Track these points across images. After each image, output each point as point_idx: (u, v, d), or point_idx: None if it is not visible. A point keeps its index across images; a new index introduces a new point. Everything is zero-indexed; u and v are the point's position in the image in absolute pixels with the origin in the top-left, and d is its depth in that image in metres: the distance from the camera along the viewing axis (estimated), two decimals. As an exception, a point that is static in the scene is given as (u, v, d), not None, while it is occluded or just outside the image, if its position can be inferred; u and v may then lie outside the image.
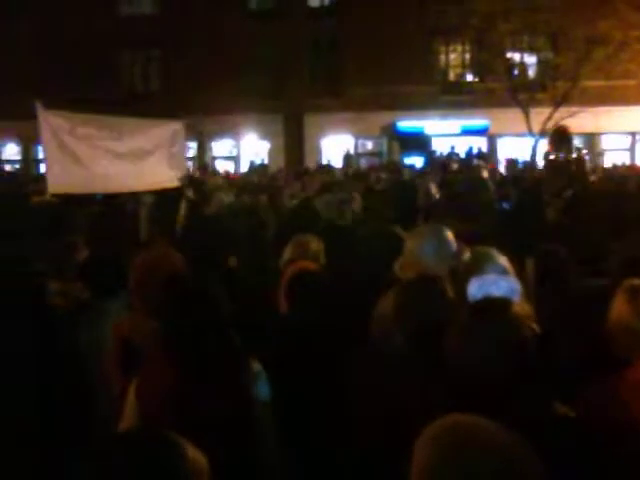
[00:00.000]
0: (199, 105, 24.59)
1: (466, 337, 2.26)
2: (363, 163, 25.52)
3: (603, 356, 2.48)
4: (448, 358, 2.26)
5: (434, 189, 9.68)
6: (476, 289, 2.82)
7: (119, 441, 1.42)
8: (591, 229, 6.35)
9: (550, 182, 10.38)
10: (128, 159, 8.11)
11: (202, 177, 14.61)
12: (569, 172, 11.38)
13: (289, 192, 9.96)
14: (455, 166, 15.91)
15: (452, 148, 22.51)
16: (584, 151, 17.32)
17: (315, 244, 4.23)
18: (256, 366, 2.62)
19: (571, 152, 13.42)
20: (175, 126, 9.21)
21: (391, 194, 9.74)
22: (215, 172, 18.48)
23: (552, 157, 13.26)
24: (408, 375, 2.43)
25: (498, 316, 2.28)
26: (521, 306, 3.19)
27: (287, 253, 4.19)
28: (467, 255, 3.26)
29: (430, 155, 23.82)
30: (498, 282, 2.84)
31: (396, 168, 15.78)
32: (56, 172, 7.43)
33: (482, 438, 1.36)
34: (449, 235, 3.30)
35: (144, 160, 8.28)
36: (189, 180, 9.38)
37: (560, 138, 13.49)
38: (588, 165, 16.87)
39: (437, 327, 2.39)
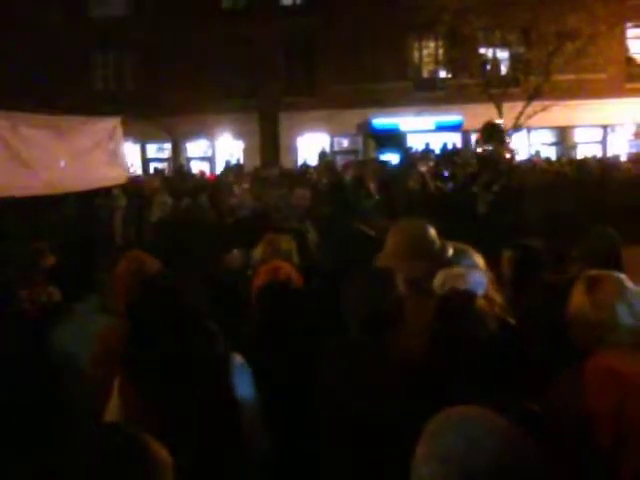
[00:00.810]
0: (173, 105, 24.47)
1: (430, 332, 2.29)
2: (339, 161, 25.53)
3: (568, 348, 2.50)
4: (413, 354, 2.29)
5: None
6: (442, 282, 2.84)
7: (86, 438, 1.46)
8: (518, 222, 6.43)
9: (479, 175, 10.56)
10: (69, 158, 7.86)
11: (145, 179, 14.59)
12: (497, 165, 11.58)
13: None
14: (431, 163, 15.99)
15: (427, 145, 22.59)
16: (512, 145, 17.65)
17: (286, 243, 4.23)
18: (237, 360, 2.59)
19: (502, 145, 13.69)
20: (113, 123, 9.01)
21: (327, 193, 9.86)
22: (152, 173, 18.20)
23: (480, 150, 13.55)
24: (361, 359, 2.48)
25: (462, 310, 2.30)
26: (495, 299, 3.23)
27: (258, 252, 4.17)
28: (451, 251, 3.25)
29: (406, 152, 23.91)
30: (465, 276, 2.86)
31: (331, 167, 16.11)
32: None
33: (485, 419, 1.37)
34: (432, 231, 3.26)
35: (85, 158, 8.04)
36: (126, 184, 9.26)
37: (490, 131, 13.80)
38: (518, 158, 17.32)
39: (386, 315, 2.52)
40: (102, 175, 8.15)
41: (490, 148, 13.30)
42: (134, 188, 10.16)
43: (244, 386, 2.56)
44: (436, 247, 3.21)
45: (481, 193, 9.58)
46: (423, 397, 1.85)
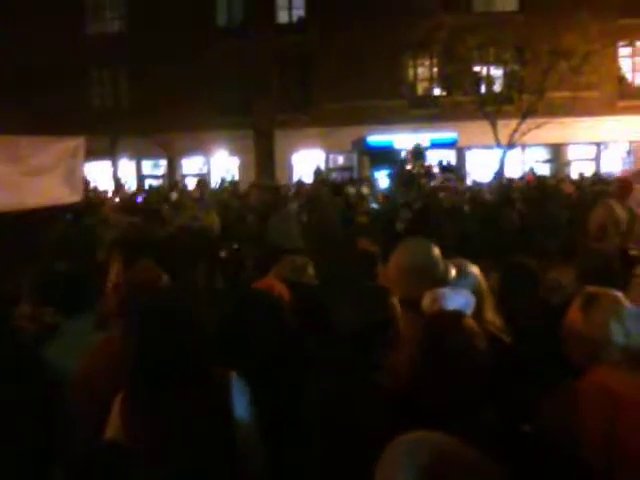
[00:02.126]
0: (168, 122, 24.52)
1: (418, 352, 2.29)
2: (334, 178, 25.59)
3: (564, 368, 2.51)
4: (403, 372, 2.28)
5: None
6: (431, 303, 2.84)
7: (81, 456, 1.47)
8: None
9: (401, 194, 10.88)
10: (24, 177, 7.84)
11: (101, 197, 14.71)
12: (418, 185, 11.93)
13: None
14: (424, 180, 16.16)
15: (440, 163, 22.72)
16: (435, 167, 18.03)
17: (300, 259, 4.25)
18: (234, 377, 2.57)
19: (423, 166, 14.34)
20: (76, 142, 9.01)
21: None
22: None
23: (409, 167, 14.05)
24: (349, 378, 2.48)
25: (451, 330, 2.31)
26: (490, 317, 3.23)
27: (276, 269, 4.18)
28: (454, 272, 3.24)
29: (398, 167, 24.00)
30: (452, 295, 2.86)
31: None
32: None
33: (450, 454, 1.36)
34: (436, 252, 3.24)
35: (41, 177, 8.04)
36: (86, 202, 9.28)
37: (416, 153, 14.53)
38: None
39: (377, 333, 2.53)
40: (57, 194, 8.15)
41: (414, 168, 13.94)
42: (88, 207, 10.22)
43: (241, 404, 2.55)
44: (440, 269, 3.18)
45: (400, 211, 9.86)
46: (410, 419, 1.84)
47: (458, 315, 2.56)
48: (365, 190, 14.35)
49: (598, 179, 16.78)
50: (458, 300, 2.85)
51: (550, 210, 10.35)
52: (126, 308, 3.03)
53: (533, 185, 14.89)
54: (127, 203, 13.70)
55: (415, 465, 1.33)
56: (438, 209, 10.32)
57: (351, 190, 14.45)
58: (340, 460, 2.33)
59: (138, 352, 2.55)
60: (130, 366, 2.55)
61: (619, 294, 2.51)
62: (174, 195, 15.37)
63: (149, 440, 2.40)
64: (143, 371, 2.52)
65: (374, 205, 11.75)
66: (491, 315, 3.29)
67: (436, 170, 16.77)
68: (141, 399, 2.49)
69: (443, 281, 3.12)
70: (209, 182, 23.43)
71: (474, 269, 3.45)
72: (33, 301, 3.37)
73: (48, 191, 7.87)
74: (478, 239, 8.02)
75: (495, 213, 10.57)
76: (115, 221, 7.85)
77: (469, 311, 2.82)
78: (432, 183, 12.55)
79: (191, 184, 24.57)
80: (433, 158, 25.55)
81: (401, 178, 14.54)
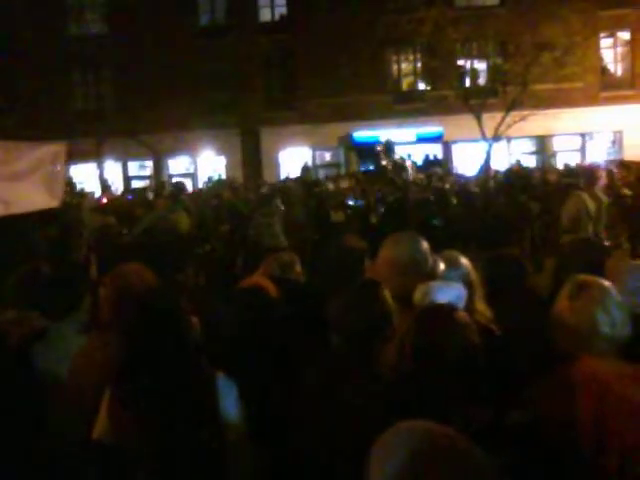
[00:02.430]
0: (153, 123, 24.42)
1: (410, 346, 2.29)
2: (322, 175, 25.58)
3: (553, 354, 2.52)
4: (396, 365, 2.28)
5: None
6: (423, 296, 2.84)
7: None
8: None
9: (372, 188, 11.02)
10: (4, 182, 7.80)
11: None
12: (388, 179, 12.08)
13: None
14: (410, 171, 16.23)
15: (409, 156, 22.73)
16: (408, 161, 18.21)
17: (287, 255, 4.25)
18: (222, 381, 2.55)
19: (392, 160, 14.60)
20: (56, 148, 8.96)
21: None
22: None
23: (384, 162, 14.30)
24: (345, 373, 2.48)
25: (443, 324, 2.31)
26: (480, 309, 3.24)
27: (262, 268, 4.16)
28: (442, 266, 3.24)
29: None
30: (444, 288, 2.86)
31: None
32: None
33: (442, 445, 1.36)
34: (424, 246, 3.23)
35: (20, 183, 8.01)
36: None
37: (387, 148, 14.84)
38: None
39: (371, 329, 2.53)
40: (37, 199, 8.11)
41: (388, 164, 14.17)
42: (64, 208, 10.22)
43: (228, 403, 2.54)
44: (428, 263, 3.18)
45: (373, 205, 9.94)
46: (404, 411, 1.85)
47: (450, 308, 2.57)
48: (345, 184, 14.32)
49: (567, 171, 16.85)
50: (450, 293, 2.85)
51: (520, 202, 10.43)
52: (116, 310, 3.02)
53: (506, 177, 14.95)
54: (104, 204, 13.60)
55: (408, 450, 1.34)
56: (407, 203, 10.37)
57: (330, 186, 14.43)
58: (332, 446, 2.33)
59: (127, 350, 2.55)
60: (118, 364, 2.55)
61: (608, 284, 2.51)
62: (150, 196, 15.30)
63: (136, 438, 2.40)
64: (131, 369, 2.51)
65: (350, 202, 11.75)
66: (481, 306, 3.30)
67: (409, 164, 16.87)
68: (128, 397, 2.48)
69: (432, 275, 3.12)
70: (185, 184, 23.19)
71: (464, 260, 3.46)
72: (17, 305, 3.35)
73: (27, 196, 7.81)
74: (464, 231, 8.07)
75: (483, 205, 10.65)
76: (90, 222, 7.78)
77: (461, 304, 2.82)
78: (406, 177, 12.62)
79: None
80: (419, 152, 25.71)
81: (375, 173, 14.71)
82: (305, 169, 24.64)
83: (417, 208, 9.60)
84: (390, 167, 13.68)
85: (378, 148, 15.56)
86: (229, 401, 2.54)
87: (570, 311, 2.42)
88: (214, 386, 2.52)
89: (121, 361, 2.59)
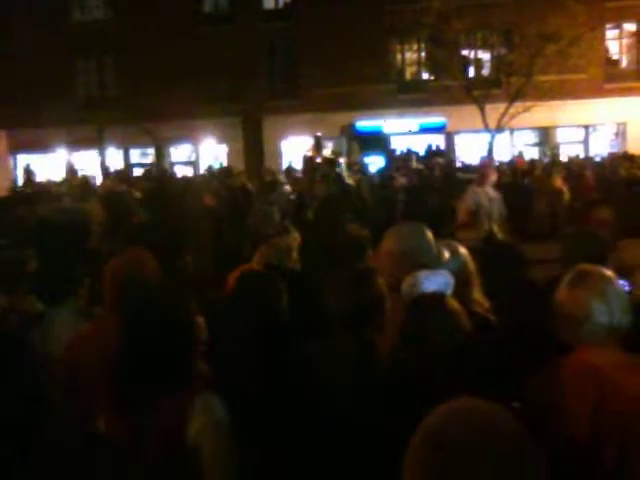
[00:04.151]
0: (155, 110, 24.37)
1: (402, 335, 2.28)
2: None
3: (551, 344, 2.51)
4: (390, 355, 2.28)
5: None
6: (411, 285, 2.83)
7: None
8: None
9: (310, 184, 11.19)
10: None
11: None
12: (323, 172, 12.28)
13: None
14: (414, 164, 16.18)
15: (408, 150, 22.75)
16: (341, 158, 18.32)
17: (284, 241, 4.22)
18: (201, 401, 2.28)
19: (325, 156, 15.06)
20: None
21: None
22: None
23: (319, 160, 14.58)
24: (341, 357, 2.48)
25: (433, 312, 2.30)
26: (475, 297, 3.23)
27: (258, 255, 4.13)
28: (447, 255, 3.22)
29: (391, 154, 24.00)
30: (431, 277, 2.85)
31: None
32: None
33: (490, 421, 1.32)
34: (428, 236, 3.20)
35: None
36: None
37: (317, 144, 15.25)
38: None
39: (365, 313, 2.54)
40: None
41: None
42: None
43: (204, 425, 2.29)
44: (430, 254, 3.15)
45: (309, 201, 10.13)
46: (403, 397, 1.84)
47: (440, 296, 2.57)
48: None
49: (465, 167, 16.89)
50: (437, 281, 2.85)
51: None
52: (117, 298, 2.97)
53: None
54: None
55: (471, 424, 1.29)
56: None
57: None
58: (333, 443, 2.33)
59: (124, 350, 2.48)
60: (115, 362, 2.49)
61: (609, 273, 2.49)
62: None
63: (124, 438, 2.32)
64: (127, 370, 2.44)
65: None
66: (478, 295, 3.29)
67: (342, 161, 16.99)
68: (121, 397, 2.42)
69: (435, 265, 3.10)
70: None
71: (462, 250, 3.44)
72: (8, 290, 3.34)
73: None
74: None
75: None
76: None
77: (449, 291, 2.82)
78: (340, 172, 12.72)
79: (180, 172, 24.53)
80: (422, 143, 25.64)
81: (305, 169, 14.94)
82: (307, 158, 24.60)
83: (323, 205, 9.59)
84: (322, 162, 13.92)
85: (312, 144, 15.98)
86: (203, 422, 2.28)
87: (569, 300, 2.41)
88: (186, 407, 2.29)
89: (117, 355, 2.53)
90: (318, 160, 14.51)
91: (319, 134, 16.27)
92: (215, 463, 2.24)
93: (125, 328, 2.46)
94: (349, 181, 12.22)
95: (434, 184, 12.14)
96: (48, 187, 16.23)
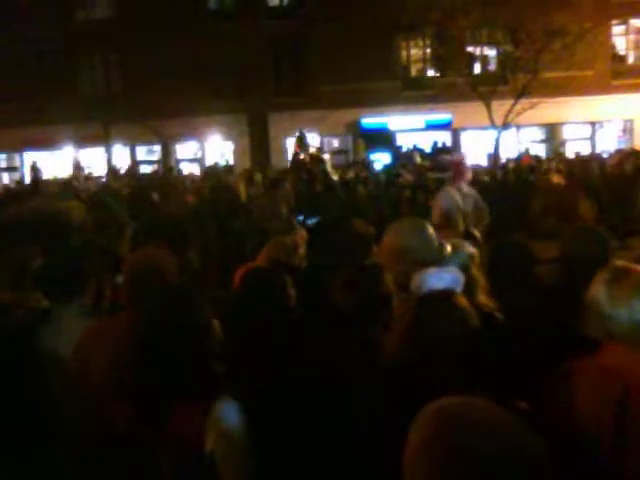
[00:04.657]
0: (161, 108, 24.38)
1: (410, 331, 2.27)
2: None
3: (563, 342, 2.48)
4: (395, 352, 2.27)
5: None
6: (420, 282, 2.82)
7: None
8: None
9: (294, 179, 11.24)
10: None
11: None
12: (307, 169, 12.31)
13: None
14: (419, 160, 16.18)
15: (414, 146, 22.77)
16: (325, 155, 18.35)
17: (290, 238, 4.23)
18: (219, 409, 2.27)
19: (310, 153, 15.16)
20: None
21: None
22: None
23: (302, 157, 14.67)
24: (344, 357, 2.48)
25: (442, 309, 2.29)
26: (482, 301, 3.21)
27: (265, 252, 4.12)
28: (449, 249, 3.20)
29: (396, 151, 24.02)
30: (440, 274, 2.84)
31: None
32: None
33: (481, 416, 1.31)
34: (429, 232, 3.17)
35: None
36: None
37: (301, 141, 15.33)
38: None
39: (371, 310, 2.56)
40: None
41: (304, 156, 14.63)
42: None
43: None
44: (430, 250, 3.13)
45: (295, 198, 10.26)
46: (405, 398, 1.84)
47: (449, 294, 2.55)
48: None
49: (437, 165, 16.79)
50: (446, 278, 2.83)
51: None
52: (134, 294, 2.96)
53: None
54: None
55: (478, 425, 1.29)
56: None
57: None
58: (330, 428, 2.33)
59: (140, 352, 2.46)
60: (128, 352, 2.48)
61: None
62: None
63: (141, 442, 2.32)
64: (143, 372, 2.42)
65: None
66: (483, 298, 3.26)
67: (327, 157, 17.00)
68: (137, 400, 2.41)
69: (436, 261, 3.08)
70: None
71: (467, 250, 3.41)
72: (14, 286, 3.34)
73: None
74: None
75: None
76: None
77: (459, 288, 2.80)
78: (323, 168, 12.73)
79: (185, 169, 24.56)
80: (428, 139, 25.61)
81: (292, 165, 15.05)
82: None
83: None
84: (307, 160, 13.92)
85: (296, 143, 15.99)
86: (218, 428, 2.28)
87: (606, 297, 2.36)
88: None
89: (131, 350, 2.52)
90: (302, 157, 14.53)
91: (304, 130, 16.24)
92: (232, 471, 2.23)
93: (143, 330, 2.45)
94: (334, 177, 12.30)
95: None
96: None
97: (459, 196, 6.95)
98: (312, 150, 16.36)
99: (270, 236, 4.39)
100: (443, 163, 15.13)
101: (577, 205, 6.64)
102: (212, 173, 14.76)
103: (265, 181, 12.57)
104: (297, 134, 16.05)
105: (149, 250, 3.28)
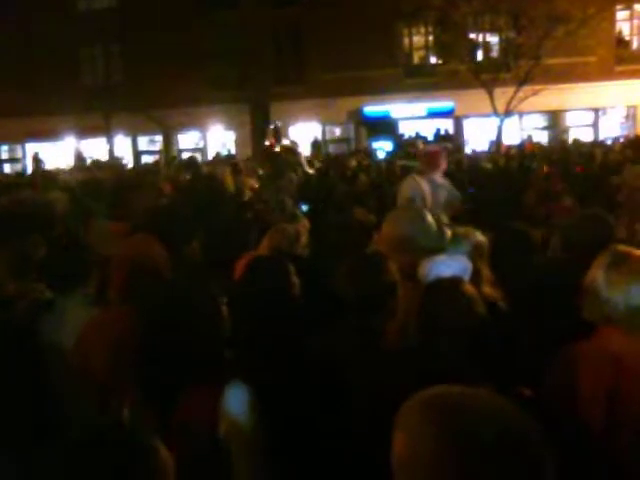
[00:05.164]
0: (163, 98, 24.34)
1: (418, 320, 2.27)
2: (332, 150, 25.48)
3: (560, 331, 2.48)
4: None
5: None
6: (427, 270, 2.82)
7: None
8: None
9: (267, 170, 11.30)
10: None
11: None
12: (284, 160, 12.31)
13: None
14: (422, 147, 16.13)
15: (417, 134, 22.69)
16: (299, 146, 18.29)
17: (292, 227, 4.21)
18: (230, 392, 2.30)
19: (284, 145, 15.24)
20: None
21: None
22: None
23: (277, 149, 14.73)
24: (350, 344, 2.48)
25: (449, 297, 2.29)
26: (486, 283, 3.20)
27: (266, 241, 4.11)
28: (449, 234, 3.20)
29: (399, 139, 23.96)
30: (448, 262, 2.83)
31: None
32: None
33: (478, 403, 1.31)
34: (427, 222, 3.17)
35: None
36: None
37: (275, 133, 15.39)
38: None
39: (376, 299, 2.55)
40: None
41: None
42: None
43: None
44: (429, 238, 3.12)
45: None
46: (409, 384, 1.83)
47: (457, 281, 2.55)
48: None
49: (405, 154, 16.77)
50: (454, 266, 2.83)
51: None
52: (124, 284, 2.96)
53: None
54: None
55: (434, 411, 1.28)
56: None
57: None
58: (334, 418, 2.32)
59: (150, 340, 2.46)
60: (134, 342, 2.47)
61: None
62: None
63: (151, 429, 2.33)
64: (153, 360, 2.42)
65: None
66: (487, 288, 3.25)
67: (301, 150, 17.01)
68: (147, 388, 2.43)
69: (437, 249, 3.07)
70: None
71: (475, 238, 3.39)
72: (16, 277, 3.34)
73: None
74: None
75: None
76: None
77: (466, 276, 2.80)
78: (299, 160, 12.74)
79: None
80: (430, 127, 25.53)
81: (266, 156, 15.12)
82: (315, 144, 24.57)
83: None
84: (282, 151, 13.98)
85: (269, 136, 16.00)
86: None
87: (604, 281, 2.35)
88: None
89: (138, 340, 2.51)
90: (277, 149, 14.56)
91: (278, 122, 16.29)
92: (242, 454, 2.25)
93: (152, 319, 2.45)
94: (309, 170, 12.27)
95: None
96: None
97: (427, 185, 6.80)
98: (286, 142, 16.43)
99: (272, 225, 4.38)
100: (413, 152, 15.17)
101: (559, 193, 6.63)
102: (191, 162, 14.60)
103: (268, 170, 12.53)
104: (272, 126, 16.12)
105: (140, 243, 3.24)
